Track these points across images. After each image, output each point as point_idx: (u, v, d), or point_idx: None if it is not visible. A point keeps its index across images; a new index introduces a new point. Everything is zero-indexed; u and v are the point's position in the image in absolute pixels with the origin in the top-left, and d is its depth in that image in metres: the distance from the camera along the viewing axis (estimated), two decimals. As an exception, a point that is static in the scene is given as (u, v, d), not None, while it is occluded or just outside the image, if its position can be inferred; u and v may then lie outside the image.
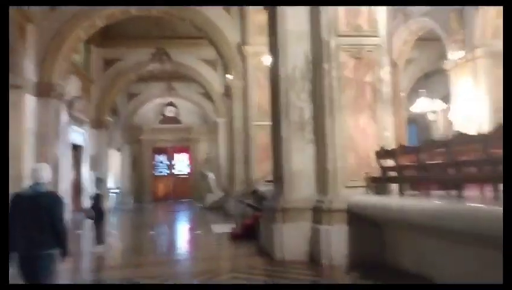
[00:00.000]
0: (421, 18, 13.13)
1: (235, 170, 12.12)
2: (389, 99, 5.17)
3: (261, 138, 10.93)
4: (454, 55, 12.12)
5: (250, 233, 6.80)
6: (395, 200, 3.98)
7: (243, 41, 11.85)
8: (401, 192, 4.30)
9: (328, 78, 5.07)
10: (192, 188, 22.78)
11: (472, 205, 2.72)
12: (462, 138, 3.19)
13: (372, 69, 5.14)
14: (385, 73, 5.17)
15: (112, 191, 18.50)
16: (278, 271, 4.59)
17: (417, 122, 18.92)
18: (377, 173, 4.89)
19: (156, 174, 23.70)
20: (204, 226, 9.63)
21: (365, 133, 5.05)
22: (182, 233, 9.04)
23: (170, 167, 23.79)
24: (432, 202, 3.19)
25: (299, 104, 5.45)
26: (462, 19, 11.96)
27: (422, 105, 14.50)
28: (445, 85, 15.47)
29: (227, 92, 12.90)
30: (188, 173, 23.63)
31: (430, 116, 16.05)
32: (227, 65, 12.76)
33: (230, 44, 12.22)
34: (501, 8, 11.19)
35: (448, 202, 3.14)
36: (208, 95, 19.92)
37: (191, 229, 9.13)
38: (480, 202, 2.94)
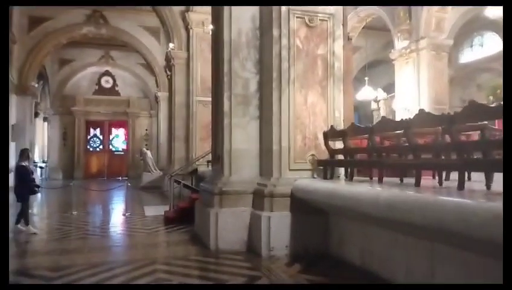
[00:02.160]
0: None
1: (175, 148, 11.32)
2: (341, 76, 4.73)
3: (204, 114, 10.20)
4: (399, 44, 12.22)
5: (186, 217, 6.18)
6: (344, 186, 3.56)
7: (187, 8, 10.87)
8: (350, 177, 3.91)
9: (277, 46, 4.49)
10: (129, 166, 21.47)
11: (440, 197, 2.32)
12: (425, 118, 2.79)
13: (325, 40, 4.64)
14: (338, 46, 4.70)
15: (37, 165, 16.76)
16: (210, 263, 4.04)
17: (358, 111, 19.22)
18: (324, 155, 4.48)
19: (90, 149, 21.97)
20: (136, 207, 8.82)
21: (314, 111, 4.58)
22: (109, 215, 8.14)
23: (105, 142, 22.17)
24: (388, 190, 2.78)
25: (244, 74, 4.84)
26: (409, 9, 12.05)
27: (367, 93, 14.66)
28: (387, 75, 15.75)
29: (169, 63, 11.89)
30: (125, 149, 22.18)
31: (372, 105, 16.32)
32: (169, 34, 11.72)
33: (173, 9, 11.18)
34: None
35: (405, 191, 2.74)
36: (149, 67, 18.59)
37: (120, 211, 8.26)
38: (441, 193, 2.56)
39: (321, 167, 4.39)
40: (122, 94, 22.37)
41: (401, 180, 3.44)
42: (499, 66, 16.75)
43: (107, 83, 22.33)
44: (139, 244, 5.09)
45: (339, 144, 4.45)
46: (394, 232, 3.16)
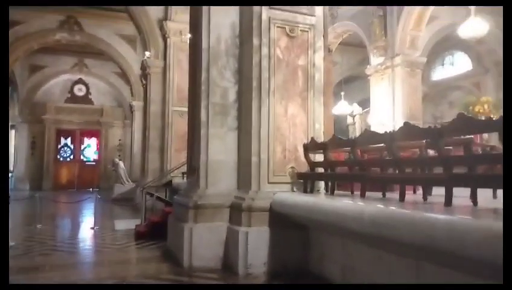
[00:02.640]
0: (346, 21, 13.24)
1: (148, 158, 10.97)
2: (322, 87, 4.64)
3: (181, 125, 9.96)
4: (375, 61, 12.42)
5: (158, 232, 5.87)
6: (325, 200, 3.41)
7: (165, 16, 10.69)
8: (331, 191, 3.77)
9: (257, 55, 4.36)
10: (101, 177, 20.77)
11: (428, 214, 2.20)
12: (410, 131, 2.69)
13: (306, 51, 4.55)
14: (319, 58, 4.63)
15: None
16: (182, 282, 3.78)
17: (334, 125, 19.31)
18: (304, 168, 4.35)
19: (60, 159, 21.13)
20: (106, 221, 8.39)
21: (294, 123, 4.45)
22: (76, 229, 7.70)
23: (76, 152, 21.40)
24: (373, 206, 2.65)
25: (222, 83, 4.67)
26: (385, 26, 12.31)
27: (343, 108, 14.79)
28: (362, 91, 16.00)
29: (144, 72, 11.60)
30: (96, 160, 21.47)
31: (348, 120, 16.49)
32: (146, 42, 11.48)
33: (150, 17, 10.96)
34: (418, 19, 11.79)
35: (390, 207, 2.62)
36: (124, 76, 18.19)
37: (88, 225, 7.82)
38: (429, 209, 2.46)
39: (301, 180, 4.25)
40: (96, 103, 21.75)
41: (384, 195, 3.34)
42: (469, 84, 17.41)
43: (80, 91, 21.68)
44: (106, 261, 4.75)
45: (318, 157, 4.35)
46: (378, 249, 3.03)
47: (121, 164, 14.44)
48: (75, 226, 8.04)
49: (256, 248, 3.96)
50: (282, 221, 3.99)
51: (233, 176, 4.61)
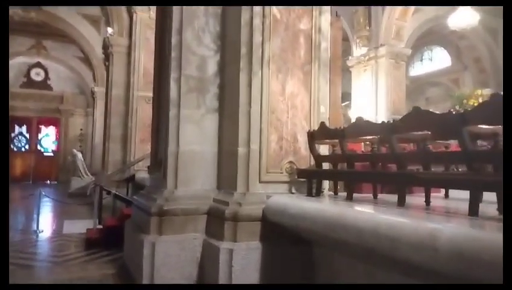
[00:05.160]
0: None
1: (109, 149, 9.66)
2: (328, 60, 3.63)
3: (147, 112, 8.72)
4: (358, 52, 11.73)
5: (114, 239, 4.73)
6: (357, 212, 2.38)
7: (131, -13, 9.38)
8: (349, 195, 2.76)
9: (247, 12, 3.28)
10: (61, 169, 19.07)
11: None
12: (491, 111, 1.72)
13: (310, 12, 3.51)
14: (326, 22, 3.60)
15: None
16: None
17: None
18: (304, 163, 3.34)
19: (14, 149, 19.24)
20: (55, 221, 7.10)
21: (293, 104, 3.42)
22: (14, 233, 6.34)
23: (33, 141, 19.55)
24: (451, 227, 1.65)
25: (199, 50, 3.56)
26: (369, 15, 11.59)
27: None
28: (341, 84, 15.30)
29: (107, 51, 10.23)
30: (55, 150, 19.72)
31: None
32: (108, 17, 10.10)
33: (113, -12, 9.62)
34: (404, 9, 11.11)
35: (485, 229, 1.63)
36: (87, 61, 16.63)
37: (32, 227, 6.49)
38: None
39: (302, 179, 3.22)
40: (56, 89, 19.96)
41: (428, 203, 2.37)
42: (447, 81, 17.13)
43: (37, 75, 19.83)
44: (38, 280, 3.55)
45: (325, 148, 3.38)
46: (425, 279, 2.04)
47: (79, 155, 12.98)
48: (15, 229, 6.67)
49: (243, 272, 2.89)
50: (279, 235, 2.95)
51: (212, 172, 3.52)
